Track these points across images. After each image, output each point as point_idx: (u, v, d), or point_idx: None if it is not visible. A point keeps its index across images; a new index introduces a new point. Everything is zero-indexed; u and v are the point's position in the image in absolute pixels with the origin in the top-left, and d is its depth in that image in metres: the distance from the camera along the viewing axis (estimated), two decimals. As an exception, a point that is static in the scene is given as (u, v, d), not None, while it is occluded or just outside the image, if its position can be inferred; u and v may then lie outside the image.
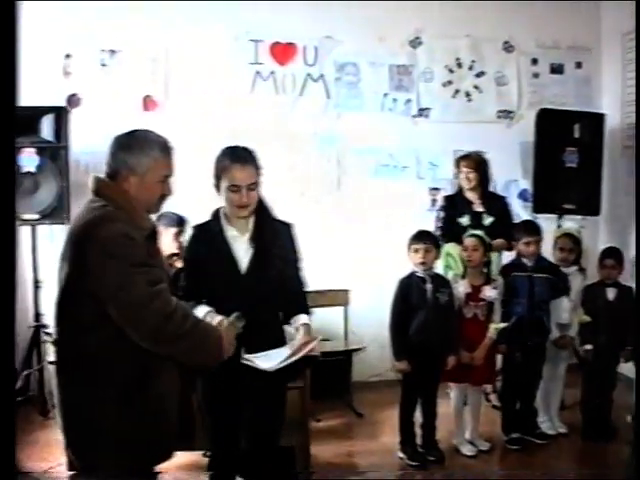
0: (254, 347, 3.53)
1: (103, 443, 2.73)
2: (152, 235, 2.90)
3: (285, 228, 3.77)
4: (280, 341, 3.72)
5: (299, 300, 3.81)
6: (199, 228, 3.76)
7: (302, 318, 3.74)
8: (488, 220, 5.90)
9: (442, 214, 6.07)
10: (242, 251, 3.61)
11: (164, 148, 2.91)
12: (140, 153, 2.84)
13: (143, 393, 2.75)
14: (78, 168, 6.12)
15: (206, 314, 3.47)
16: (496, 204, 6.11)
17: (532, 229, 5.51)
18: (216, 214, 3.70)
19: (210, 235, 3.64)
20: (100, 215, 2.69)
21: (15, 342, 2.46)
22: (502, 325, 5.21)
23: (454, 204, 6.04)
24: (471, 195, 6.02)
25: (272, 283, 3.61)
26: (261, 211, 3.68)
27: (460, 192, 6.12)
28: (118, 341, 2.67)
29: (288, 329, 3.79)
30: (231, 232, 3.63)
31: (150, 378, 2.76)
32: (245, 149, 3.62)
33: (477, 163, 6.05)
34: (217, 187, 3.62)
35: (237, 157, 3.55)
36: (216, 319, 3.36)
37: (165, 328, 2.67)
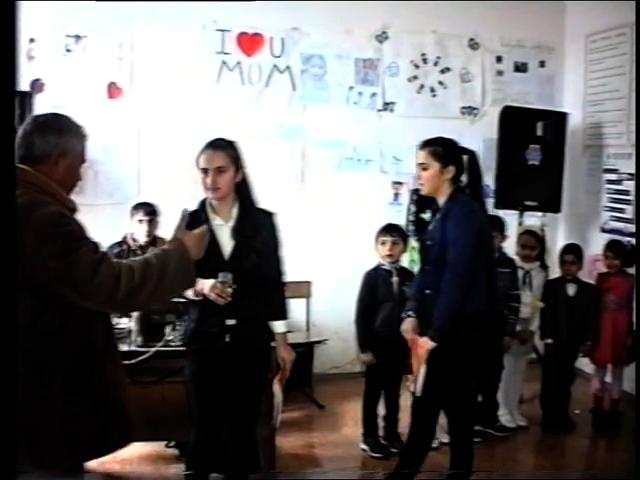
0: (238, 334, 3.66)
1: (53, 440, 2.63)
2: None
3: (267, 217, 3.83)
4: (266, 331, 3.83)
5: (277, 297, 3.88)
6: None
7: (278, 327, 3.86)
8: (427, 215, 5.83)
9: (413, 208, 6.03)
10: (226, 239, 3.67)
11: (85, 134, 2.86)
12: (71, 136, 2.76)
13: (90, 384, 2.68)
14: None
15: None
16: None
17: (497, 224, 5.54)
18: (202, 203, 3.76)
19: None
20: (27, 200, 2.58)
21: (14, 339, 2.37)
22: None
23: (423, 199, 6.00)
24: None
25: (252, 273, 3.65)
26: (245, 200, 3.75)
27: None
28: (59, 336, 2.61)
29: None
30: (216, 220, 3.69)
31: (94, 370, 2.69)
32: (221, 138, 3.73)
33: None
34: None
35: (209, 144, 3.67)
36: (206, 282, 3.53)
37: (120, 286, 2.59)
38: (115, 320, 4.52)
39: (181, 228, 3.09)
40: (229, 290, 3.55)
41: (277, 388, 4.06)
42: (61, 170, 2.71)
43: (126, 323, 4.53)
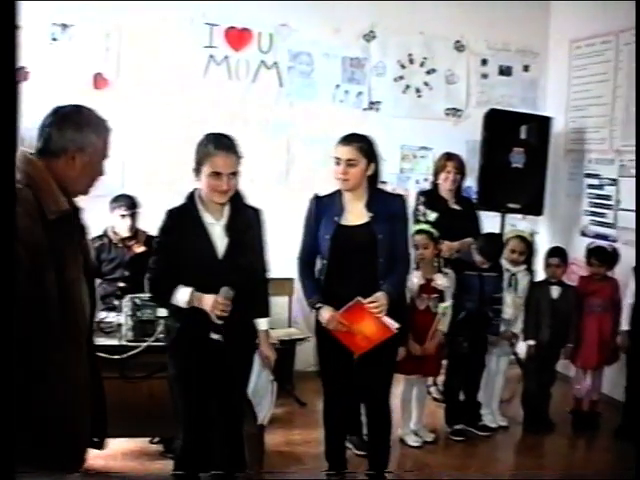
0: (228, 333, 3.64)
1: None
2: (67, 218, 2.62)
3: (256, 215, 3.84)
4: (251, 329, 3.85)
5: (261, 295, 3.89)
6: (175, 212, 3.73)
7: (262, 324, 3.89)
8: (433, 216, 5.90)
9: (423, 209, 5.99)
10: (218, 237, 3.64)
11: (108, 128, 2.79)
12: (90, 131, 2.69)
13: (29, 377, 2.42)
14: (22, 145, 5.82)
15: (191, 294, 3.56)
16: (468, 204, 6.21)
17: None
18: (191, 198, 3.71)
19: (187, 219, 3.65)
20: None
21: (14, 341, 2.24)
22: (448, 303, 5.27)
23: (431, 200, 6.01)
24: (447, 194, 6.03)
25: (244, 271, 3.66)
26: (236, 198, 3.73)
27: (435, 189, 6.11)
28: None
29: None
30: (208, 218, 3.65)
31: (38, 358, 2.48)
32: (228, 137, 3.67)
33: (463, 164, 6.11)
34: (197, 172, 3.64)
35: (221, 144, 3.60)
36: (204, 297, 3.54)
37: None
38: (103, 314, 4.55)
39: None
40: (229, 305, 3.55)
41: (274, 386, 4.10)
42: (78, 166, 2.64)
43: (114, 317, 4.49)
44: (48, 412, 2.49)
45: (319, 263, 4.21)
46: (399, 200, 4.34)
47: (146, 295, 4.08)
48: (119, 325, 4.36)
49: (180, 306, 3.58)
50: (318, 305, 4.12)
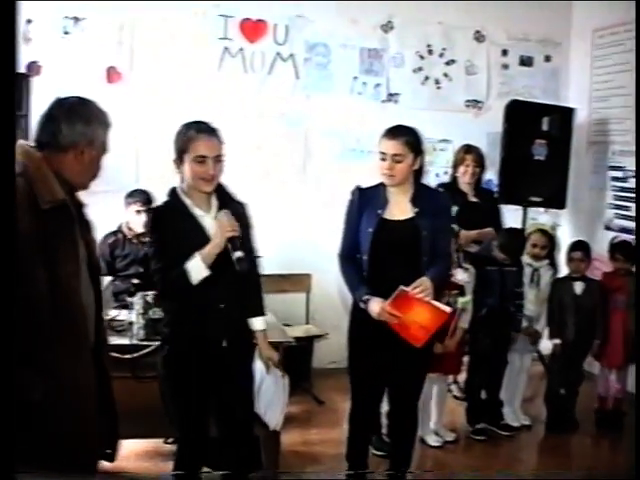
0: (231, 332, 3.55)
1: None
2: (63, 210, 2.55)
3: (242, 208, 3.65)
4: (247, 328, 3.69)
5: (255, 291, 3.73)
6: (161, 209, 3.58)
7: (258, 324, 3.71)
8: (453, 210, 5.76)
9: None
10: (210, 229, 3.47)
11: (110, 122, 2.71)
12: (98, 125, 2.64)
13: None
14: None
15: (200, 256, 3.37)
16: (488, 197, 6.10)
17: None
18: (174, 193, 3.54)
19: (175, 215, 3.47)
20: None
21: (15, 340, 2.15)
22: (468, 298, 5.11)
23: (450, 194, 5.89)
24: (466, 187, 5.92)
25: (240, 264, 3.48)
26: (222, 191, 3.58)
27: (454, 182, 6.00)
28: None
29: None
30: (197, 210, 3.49)
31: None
32: (208, 123, 3.52)
33: (482, 157, 5.99)
34: (178, 161, 3.48)
35: (202, 128, 3.46)
36: (208, 246, 3.38)
37: None
38: (114, 312, 4.50)
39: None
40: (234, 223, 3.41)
41: (285, 384, 3.98)
42: (86, 160, 2.59)
43: (126, 315, 4.39)
44: (41, 414, 2.40)
45: (359, 260, 4.01)
46: (443, 196, 4.25)
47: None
48: (130, 323, 4.26)
49: (197, 280, 3.36)
50: (366, 297, 3.89)
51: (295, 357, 6.04)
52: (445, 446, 5.28)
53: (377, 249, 3.93)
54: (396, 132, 3.95)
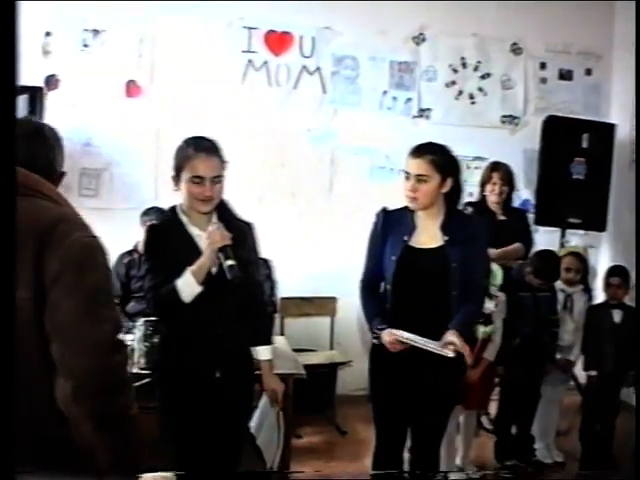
0: (227, 365, 3.36)
1: None
2: None
3: (247, 228, 3.46)
4: (247, 358, 3.49)
5: (261, 319, 3.55)
6: (158, 227, 3.43)
7: (264, 353, 3.51)
8: None
9: None
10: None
11: None
12: (61, 148, 2.38)
13: None
14: None
15: (190, 272, 3.19)
16: (518, 216, 5.84)
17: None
18: (173, 211, 3.38)
19: (172, 233, 3.31)
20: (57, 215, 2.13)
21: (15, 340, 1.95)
22: (490, 328, 4.80)
23: (479, 213, 5.64)
24: (495, 207, 5.68)
25: (240, 289, 3.30)
26: (223, 209, 3.39)
27: (483, 201, 5.74)
28: None
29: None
30: (194, 230, 3.31)
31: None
32: (209, 140, 3.33)
33: (510, 175, 5.73)
34: (176, 179, 3.30)
35: (202, 147, 3.26)
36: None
37: (120, 392, 2.16)
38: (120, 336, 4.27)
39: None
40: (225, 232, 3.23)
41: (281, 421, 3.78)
42: (58, 186, 2.34)
43: (130, 341, 4.18)
44: None
45: (383, 289, 3.71)
46: (477, 223, 3.91)
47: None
48: (132, 350, 4.07)
49: (188, 297, 3.18)
50: (380, 327, 3.59)
51: (318, 384, 5.88)
52: (470, 481, 5.03)
53: (402, 280, 3.61)
54: (422, 150, 3.62)
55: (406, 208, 3.69)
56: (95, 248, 2.11)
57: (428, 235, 3.64)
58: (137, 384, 3.84)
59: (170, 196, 5.65)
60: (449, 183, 3.60)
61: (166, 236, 3.30)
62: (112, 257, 5.32)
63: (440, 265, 3.58)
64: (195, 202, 3.24)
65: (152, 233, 3.40)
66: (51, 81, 6.00)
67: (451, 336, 3.41)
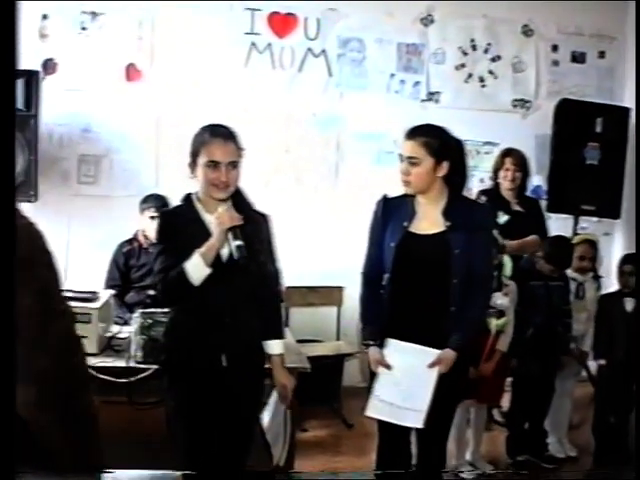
0: (235, 356, 3.28)
1: None
2: None
3: (263, 220, 3.42)
4: (259, 348, 3.42)
5: (273, 311, 3.47)
6: (170, 213, 3.44)
7: (275, 347, 3.44)
8: (504, 219, 5.43)
9: None
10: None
11: None
12: None
13: None
14: (51, 141, 5.86)
15: (198, 254, 3.12)
16: (533, 206, 5.74)
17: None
18: (188, 199, 3.35)
19: (184, 220, 3.28)
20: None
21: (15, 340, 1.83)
22: (503, 320, 4.68)
23: (492, 201, 5.50)
24: (508, 194, 5.59)
25: (252, 277, 3.26)
26: (239, 199, 3.33)
27: (496, 189, 5.65)
28: None
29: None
30: (208, 217, 3.26)
31: None
32: (226, 127, 3.31)
33: (524, 161, 5.65)
34: (192, 166, 3.27)
35: (218, 132, 3.26)
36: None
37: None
38: (116, 328, 4.21)
39: None
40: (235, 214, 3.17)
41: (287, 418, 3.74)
42: None
43: (128, 332, 4.06)
44: None
45: (383, 279, 3.60)
46: (484, 209, 3.82)
47: (159, 310, 3.77)
48: (129, 343, 3.94)
49: (197, 279, 3.12)
50: (368, 342, 3.55)
51: (324, 375, 5.75)
52: (481, 479, 4.86)
53: (401, 268, 3.50)
54: (415, 132, 3.52)
55: (406, 194, 3.59)
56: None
57: (429, 221, 3.53)
58: (133, 379, 3.77)
59: (171, 183, 5.69)
60: (445, 166, 3.47)
61: (179, 222, 3.28)
62: (112, 246, 5.36)
63: (441, 252, 3.47)
64: (210, 188, 3.20)
65: (164, 219, 3.38)
66: (49, 65, 5.89)
67: (443, 356, 3.42)
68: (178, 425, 3.33)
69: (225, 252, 3.23)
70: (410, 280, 3.49)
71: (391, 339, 3.48)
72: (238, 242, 3.14)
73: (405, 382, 3.44)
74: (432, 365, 3.41)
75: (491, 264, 3.79)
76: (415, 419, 3.42)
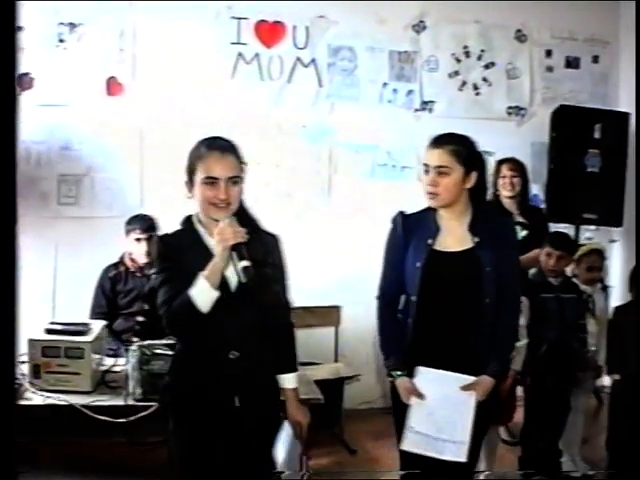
0: (247, 390, 3.00)
1: None
2: None
3: (273, 241, 3.12)
4: (273, 384, 3.16)
5: (286, 342, 3.21)
6: (170, 237, 3.07)
7: (289, 381, 3.19)
8: (522, 233, 5.33)
9: None
10: (229, 267, 2.93)
11: None
12: None
13: None
14: (28, 160, 5.67)
15: (202, 277, 2.84)
16: (536, 216, 5.65)
17: (557, 241, 4.94)
18: (188, 221, 3.04)
19: (186, 244, 2.97)
20: None
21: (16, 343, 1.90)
22: (522, 343, 4.53)
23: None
24: (509, 203, 5.50)
25: (263, 308, 2.99)
26: (244, 217, 3.02)
27: (497, 199, 5.54)
28: None
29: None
30: (210, 240, 2.96)
31: None
32: (225, 139, 3.01)
33: (521, 167, 5.62)
34: (189, 184, 2.97)
35: (215, 145, 2.94)
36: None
37: None
38: (110, 361, 3.99)
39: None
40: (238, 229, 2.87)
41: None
42: None
43: (123, 366, 3.80)
44: None
45: (404, 302, 3.41)
46: (509, 223, 3.66)
47: (158, 342, 3.57)
48: (126, 378, 3.69)
49: (205, 305, 2.84)
50: (396, 373, 3.34)
51: (324, 400, 5.54)
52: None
53: (428, 288, 3.29)
54: (443, 140, 3.32)
55: (426, 210, 3.38)
56: None
57: (455, 237, 3.33)
58: (133, 418, 3.54)
59: (157, 202, 5.49)
60: (473, 177, 3.29)
61: (180, 247, 2.98)
62: (97, 271, 5.12)
63: (472, 270, 3.27)
64: (209, 208, 2.90)
65: (164, 244, 3.04)
66: (24, 80, 5.66)
67: (480, 383, 3.28)
68: (187, 473, 3.05)
69: (234, 280, 2.95)
70: (439, 302, 3.29)
71: (421, 367, 3.28)
72: (245, 263, 2.84)
73: (440, 412, 3.24)
74: (467, 391, 3.23)
75: (520, 281, 3.57)
76: (457, 452, 3.19)
